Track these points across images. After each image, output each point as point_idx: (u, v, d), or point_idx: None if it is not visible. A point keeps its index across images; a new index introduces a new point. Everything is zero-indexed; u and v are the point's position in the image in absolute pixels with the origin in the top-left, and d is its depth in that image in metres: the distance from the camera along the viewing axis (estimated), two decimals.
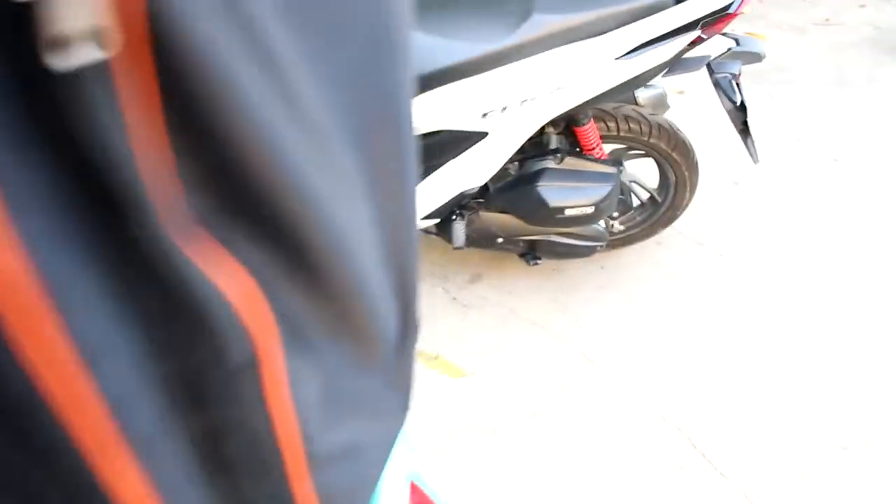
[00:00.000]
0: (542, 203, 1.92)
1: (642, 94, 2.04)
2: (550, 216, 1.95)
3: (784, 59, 3.56)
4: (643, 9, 1.68)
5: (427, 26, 1.76)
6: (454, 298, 2.32)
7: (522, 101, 1.76)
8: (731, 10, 1.69)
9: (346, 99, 0.31)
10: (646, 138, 2.01)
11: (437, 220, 2.10)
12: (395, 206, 0.37)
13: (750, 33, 3.81)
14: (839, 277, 2.33)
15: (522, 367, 2.09)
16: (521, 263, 2.24)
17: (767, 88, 3.31)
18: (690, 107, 3.03)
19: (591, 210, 1.93)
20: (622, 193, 2.19)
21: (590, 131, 1.96)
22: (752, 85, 3.25)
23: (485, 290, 2.34)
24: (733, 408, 1.96)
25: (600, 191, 1.92)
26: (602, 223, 2.15)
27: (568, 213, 1.94)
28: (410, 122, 0.37)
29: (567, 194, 1.92)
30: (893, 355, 2.07)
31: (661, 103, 2.08)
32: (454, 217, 2.05)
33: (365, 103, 0.32)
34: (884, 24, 3.84)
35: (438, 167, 1.95)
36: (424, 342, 2.17)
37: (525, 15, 1.69)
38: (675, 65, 1.78)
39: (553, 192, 1.92)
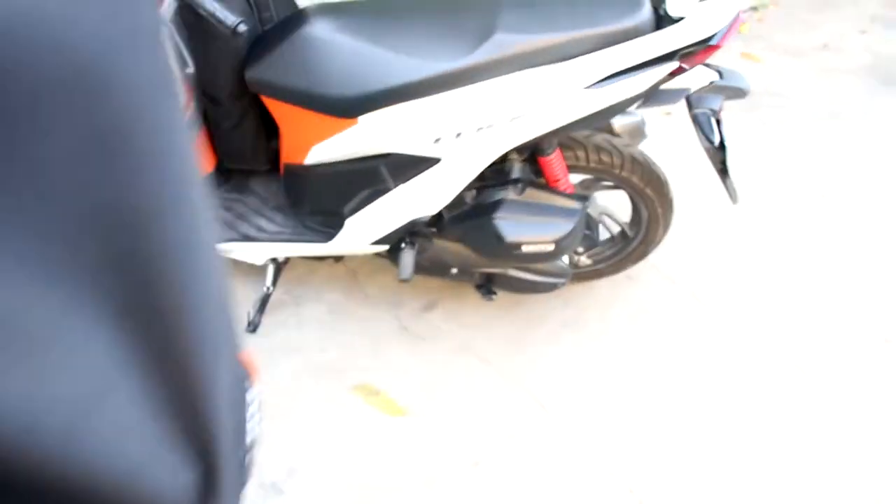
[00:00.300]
0: (498, 237, 1.75)
1: (618, 122, 1.87)
2: (506, 251, 1.78)
3: (778, 83, 3.40)
4: (617, 34, 1.51)
5: (380, 40, 1.58)
6: (405, 328, 2.15)
7: (479, 128, 1.59)
8: (713, 42, 1.52)
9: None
10: (617, 171, 1.84)
11: (387, 247, 1.93)
12: (180, 376, 0.35)
13: (746, 54, 3.66)
14: (822, 328, 2.17)
15: (468, 409, 1.93)
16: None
17: (758, 114, 3.15)
18: (676, 130, 2.86)
19: (550, 247, 1.77)
20: (590, 228, 2.03)
21: (555, 162, 1.79)
22: (742, 111, 3.09)
23: (439, 320, 2.18)
24: (696, 471, 1.81)
25: (562, 227, 1.75)
26: (566, 258, 1.98)
27: (525, 248, 1.77)
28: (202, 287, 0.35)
29: (525, 229, 1.75)
30: (873, 410, 1.92)
31: (637, 132, 1.91)
32: (403, 246, 1.89)
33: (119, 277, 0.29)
34: (883, 51, 3.69)
35: (386, 192, 1.78)
36: (367, 373, 2.01)
37: (486, 34, 1.52)
38: (651, 97, 1.62)
39: (510, 226, 1.75)
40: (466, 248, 1.88)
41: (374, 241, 1.90)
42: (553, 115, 1.58)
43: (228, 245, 2.01)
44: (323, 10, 1.70)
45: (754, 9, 4.08)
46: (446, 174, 1.70)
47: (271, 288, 2.10)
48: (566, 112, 1.57)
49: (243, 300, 2.18)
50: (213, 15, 1.47)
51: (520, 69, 1.53)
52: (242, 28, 1.47)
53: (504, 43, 1.51)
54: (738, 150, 2.87)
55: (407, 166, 1.70)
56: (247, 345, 1.95)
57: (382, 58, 1.57)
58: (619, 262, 2.16)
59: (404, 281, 1.87)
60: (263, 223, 2.01)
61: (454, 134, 1.60)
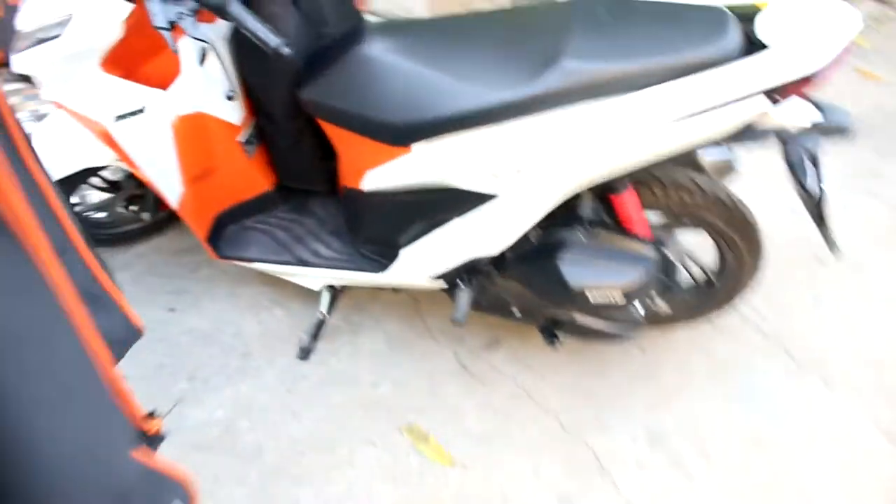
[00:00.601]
0: (562, 281, 1.60)
1: (703, 155, 1.68)
2: (570, 297, 1.63)
3: None
4: (699, 63, 1.34)
5: (437, 64, 1.48)
6: (464, 366, 2.02)
7: (540, 165, 1.45)
8: (814, 76, 1.32)
9: None
10: (698, 212, 1.65)
11: (444, 284, 1.82)
12: None
13: (862, 71, 3.33)
14: None
15: (524, 464, 1.78)
16: None
17: (872, 142, 2.83)
18: (771, 164, 2.60)
19: (618, 296, 1.60)
20: (667, 273, 1.84)
21: (627, 201, 1.62)
22: (856, 137, 2.79)
23: (500, 360, 2.04)
24: None
25: (632, 274, 1.58)
26: (639, 305, 1.80)
27: (591, 295, 1.61)
28: None
29: (591, 274, 1.59)
30: None
31: (725, 168, 1.71)
32: (460, 284, 1.76)
33: None
34: None
35: (442, 225, 1.67)
36: (419, 414, 1.89)
37: (552, 60, 1.38)
38: (738, 135, 1.43)
39: (575, 271, 1.59)
40: (528, 290, 1.73)
41: (429, 276, 1.79)
42: (623, 153, 1.42)
43: (283, 268, 1.95)
44: (381, 28, 1.61)
45: (875, 20, 3.71)
46: (506, 213, 1.57)
47: (327, 314, 2.03)
48: (638, 150, 1.41)
49: (299, 323, 2.12)
50: (255, 35, 1.40)
51: (587, 100, 1.38)
52: (285, 50, 1.40)
53: (571, 71, 1.36)
54: (845, 186, 2.58)
55: (463, 201, 1.58)
56: (298, 372, 1.86)
57: (438, 83, 1.46)
58: (701, 309, 1.96)
59: (457, 324, 1.74)
60: (320, 248, 1.94)
61: (514, 170, 1.47)
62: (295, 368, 2.00)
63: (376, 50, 1.54)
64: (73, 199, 2.11)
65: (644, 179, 1.64)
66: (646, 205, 1.66)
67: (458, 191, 1.56)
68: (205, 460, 1.77)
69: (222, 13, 1.42)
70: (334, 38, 1.72)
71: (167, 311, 2.16)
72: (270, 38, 1.40)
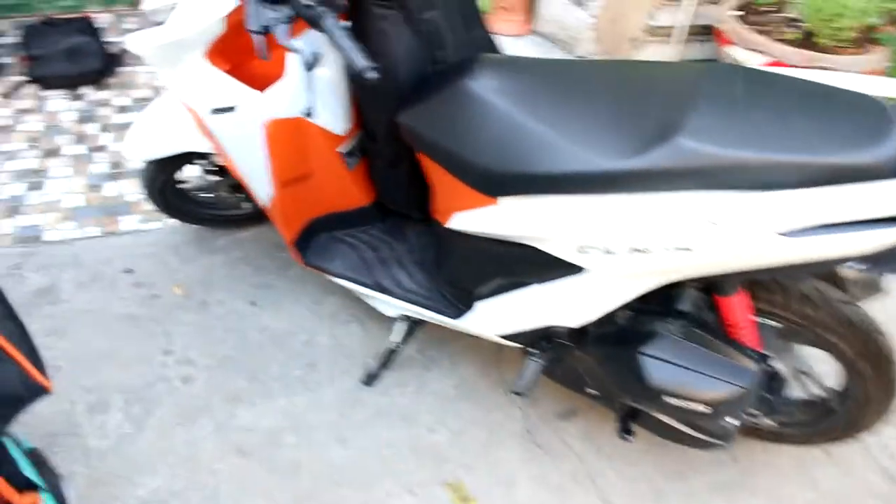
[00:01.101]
0: (642, 377, 1.41)
1: (842, 266, 1.42)
2: (650, 395, 1.43)
3: None
4: (844, 170, 1.10)
5: (540, 113, 1.32)
6: (529, 432, 1.86)
7: (633, 250, 1.26)
8: None
9: None
10: (822, 332, 1.40)
11: (518, 345, 1.67)
12: None
13: None
14: None
15: None
16: None
17: None
18: None
19: (702, 408, 1.38)
20: (773, 389, 1.58)
21: (735, 305, 1.40)
22: None
23: (571, 434, 1.86)
24: None
25: (724, 387, 1.36)
26: (732, 419, 1.56)
27: (672, 401, 1.41)
28: None
29: (677, 377, 1.38)
30: None
31: (869, 285, 1.44)
32: (533, 352, 1.61)
33: None
34: None
35: (524, 286, 1.52)
36: (468, 472, 1.75)
37: (665, 134, 1.19)
38: (875, 260, 1.18)
39: (659, 369, 1.39)
40: (604, 374, 1.55)
41: (503, 334, 1.64)
42: (732, 258, 1.20)
43: (362, 289, 1.87)
44: (494, 63, 1.47)
45: None
46: (591, 289, 1.40)
47: (400, 344, 1.93)
48: (750, 257, 1.19)
49: (373, 344, 2.04)
50: (344, 53, 1.31)
51: (698, 188, 1.18)
52: (371, 75, 1.30)
53: (685, 150, 1.17)
54: None
55: (548, 266, 1.43)
56: (357, 397, 1.77)
57: (539, 136, 1.30)
58: (815, 433, 1.68)
59: (517, 394, 1.59)
60: (402, 277, 1.84)
61: (603, 248, 1.29)
62: (355, 392, 1.93)
63: (482, 86, 1.40)
64: (180, 177, 2.15)
65: (760, 281, 1.41)
66: (759, 311, 1.43)
67: (543, 254, 1.40)
68: (239, 466, 1.73)
69: (316, 25, 1.35)
70: (443, 66, 1.60)
71: (248, 304, 2.15)
72: (358, 60, 1.30)
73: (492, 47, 1.76)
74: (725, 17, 2.95)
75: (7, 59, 3.24)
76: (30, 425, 1.78)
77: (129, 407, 1.85)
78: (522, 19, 3.53)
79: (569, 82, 1.38)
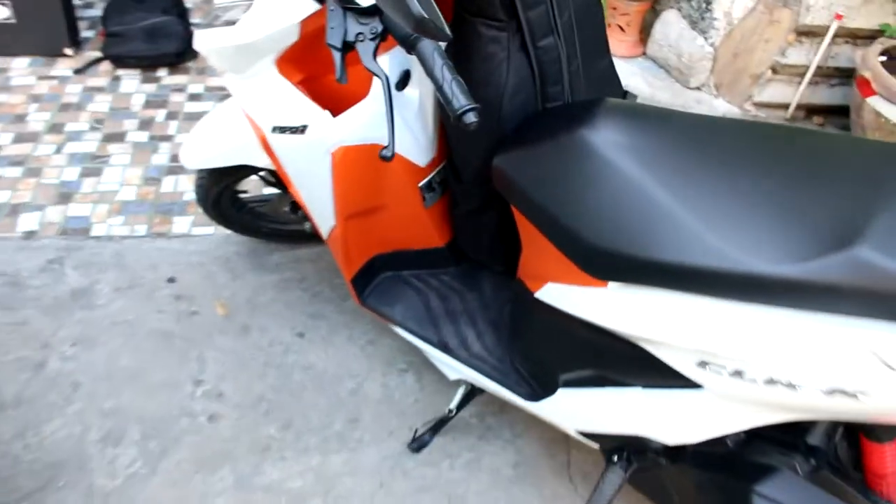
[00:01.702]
0: None
1: None
2: None
3: None
4: None
5: (672, 184, 1.04)
6: None
7: (771, 379, 0.97)
8: None
9: None
10: None
11: (597, 446, 1.40)
12: None
13: None
14: None
15: None
16: None
17: None
18: None
19: None
20: None
21: (889, 454, 1.09)
22: None
23: None
24: None
25: None
26: None
27: None
28: None
29: None
30: None
31: None
32: (616, 460, 1.33)
33: None
34: None
35: (620, 385, 1.24)
36: None
37: (842, 241, 0.89)
38: None
39: None
40: (701, 500, 1.26)
41: (583, 430, 1.37)
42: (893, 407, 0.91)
43: (423, 345, 1.63)
44: (622, 111, 1.17)
45: None
46: (705, 411, 1.11)
47: (454, 411, 1.68)
48: None
49: (428, 401, 1.79)
50: (440, 89, 1.05)
51: (876, 316, 0.88)
52: (469, 119, 1.03)
53: (865, 265, 0.87)
54: None
55: (658, 373, 1.14)
56: (401, 465, 1.52)
57: (667, 212, 1.02)
58: None
59: None
60: (470, 337, 1.59)
61: (732, 369, 1.01)
62: (400, 459, 1.68)
63: (603, 139, 1.11)
64: (242, 187, 1.94)
65: None
66: None
67: (655, 359, 1.12)
68: None
69: (409, 48, 1.10)
70: (557, 105, 1.33)
71: (295, 335, 1.93)
72: (457, 99, 1.04)
73: (617, 86, 1.48)
74: (870, 61, 2.56)
75: (89, 33, 3.12)
76: (39, 449, 1.61)
77: (146, 442, 1.66)
78: (635, 40, 3.22)
79: (716, 147, 1.09)
